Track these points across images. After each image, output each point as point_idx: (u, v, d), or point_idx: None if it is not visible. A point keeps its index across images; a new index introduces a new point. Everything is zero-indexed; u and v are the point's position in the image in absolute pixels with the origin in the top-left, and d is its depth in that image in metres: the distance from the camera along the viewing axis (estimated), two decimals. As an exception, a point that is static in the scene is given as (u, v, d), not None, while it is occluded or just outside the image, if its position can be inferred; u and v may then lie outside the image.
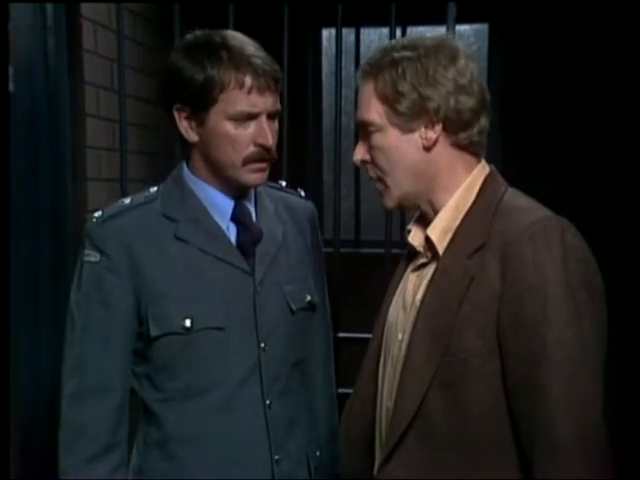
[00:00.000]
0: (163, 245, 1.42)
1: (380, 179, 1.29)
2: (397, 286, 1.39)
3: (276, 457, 1.46)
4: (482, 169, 1.30)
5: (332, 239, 2.23)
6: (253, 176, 1.43)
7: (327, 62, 4.09)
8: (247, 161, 1.41)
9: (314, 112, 4.09)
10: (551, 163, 3.56)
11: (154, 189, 1.50)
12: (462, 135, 1.25)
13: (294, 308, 1.51)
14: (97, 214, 1.45)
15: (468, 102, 1.23)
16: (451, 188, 1.27)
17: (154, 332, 1.41)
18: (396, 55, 1.24)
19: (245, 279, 1.45)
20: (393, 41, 1.33)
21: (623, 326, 2.84)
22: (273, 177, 1.65)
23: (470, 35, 3.89)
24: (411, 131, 1.25)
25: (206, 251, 1.43)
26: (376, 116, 1.26)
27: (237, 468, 1.44)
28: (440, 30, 3.85)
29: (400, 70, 1.22)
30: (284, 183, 1.67)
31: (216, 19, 1.95)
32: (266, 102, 1.39)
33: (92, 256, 1.41)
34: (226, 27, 2.03)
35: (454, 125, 1.24)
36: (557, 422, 1.11)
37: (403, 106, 1.23)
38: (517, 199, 1.26)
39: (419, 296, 1.28)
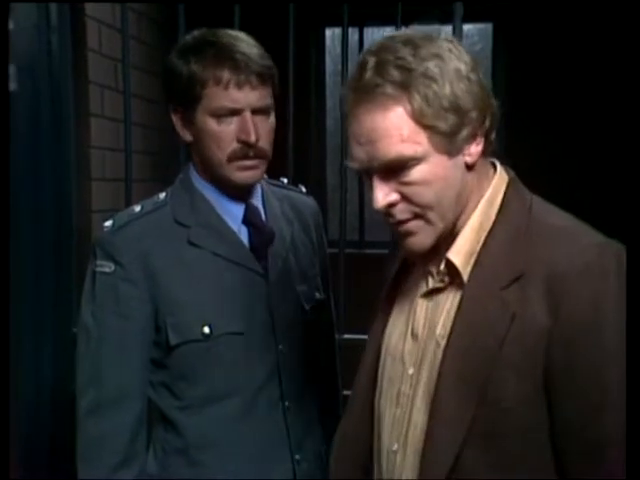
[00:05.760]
0: (177, 251, 1.41)
1: (418, 216, 1.07)
2: (393, 306, 1.23)
3: (297, 457, 1.47)
4: (501, 177, 1.13)
5: (337, 239, 2.23)
6: (242, 174, 1.40)
7: (330, 62, 4.09)
8: (232, 158, 1.38)
9: (317, 112, 4.09)
10: (555, 161, 3.55)
11: (162, 195, 1.48)
12: (490, 139, 1.10)
13: (307, 307, 1.52)
14: (108, 223, 1.42)
15: (495, 102, 1.09)
16: (473, 203, 1.10)
17: (173, 340, 1.39)
18: (422, 65, 1.02)
19: (259, 281, 1.45)
20: (371, 52, 1.06)
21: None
22: (278, 177, 1.65)
23: (474, 35, 3.89)
24: (459, 152, 1.05)
25: (220, 255, 1.42)
26: (417, 147, 1.02)
27: (260, 470, 1.44)
28: (446, 30, 3.87)
29: (440, 82, 1.01)
30: (285, 180, 1.67)
31: (221, 19, 1.94)
32: (248, 97, 1.36)
33: (106, 267, 1.38)
34: (231, 27, 2.02)
35: (489, 130, 1.08)
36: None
37: (448, 124, 1.02)
38: (551, 216, 1.10)
39: (440, 330, 1.10)
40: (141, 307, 1.39)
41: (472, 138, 1.05)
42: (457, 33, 2.06)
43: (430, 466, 1.07)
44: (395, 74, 1.01)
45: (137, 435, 1.41)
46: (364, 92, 1.03)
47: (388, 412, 1.17)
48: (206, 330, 1.40)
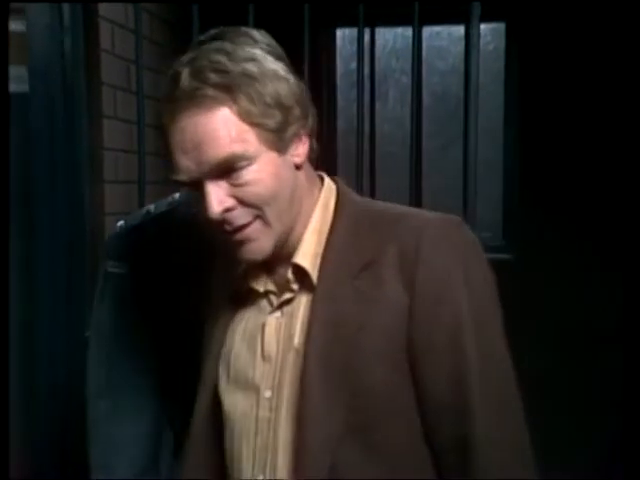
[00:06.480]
0: (191, 252, 1.39)
1: (257, 218, 1.05)
2: (225, 337, 1.17)
3: None
4: (330, 185, 1.15)
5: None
6: None
7: (341, 63, 4.08)
8: None
9: (328, 113, 4.08)
10: (570, 161, 3.53)
11: (177, 195, 1.47)
12: (313, 145, 1.10)
13: None
14: (120, 223, 1.41)
15: (313, 109, 1.09)
16: (307, 209, 1.11)
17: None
18: (239, 67, 1.00)
19: None
20: (182, 64, 1.02)
21: (626, 329, 2.80)
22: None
23: (487, 34, 3.86)
24: (287, 149, 1.05)
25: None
26: (247, 146, 1.01)
27: None
28: (458, 30, 3.86)
29: (260, 81, 1.01)
30: None
31: (235, 19, 1.93)
32: None
33: (118, 267, 1.38)
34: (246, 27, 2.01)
35: (310, 129, 1.08)
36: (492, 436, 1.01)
37: (275, 120, 1.02)
38: (389, 207, 1.13)
39: (298, 339, 1.07)
40: (155, 308, 1.37)
41: (298, 137, 1.06)
42: (474, 33, 2.04)
43: (306, 473, 1.02)
44: (214, 77, 0.99)
45: (157, 443, 1.40)
46: (184, 99, 0.99)
47: (246, 445, 1.10)
48: None
